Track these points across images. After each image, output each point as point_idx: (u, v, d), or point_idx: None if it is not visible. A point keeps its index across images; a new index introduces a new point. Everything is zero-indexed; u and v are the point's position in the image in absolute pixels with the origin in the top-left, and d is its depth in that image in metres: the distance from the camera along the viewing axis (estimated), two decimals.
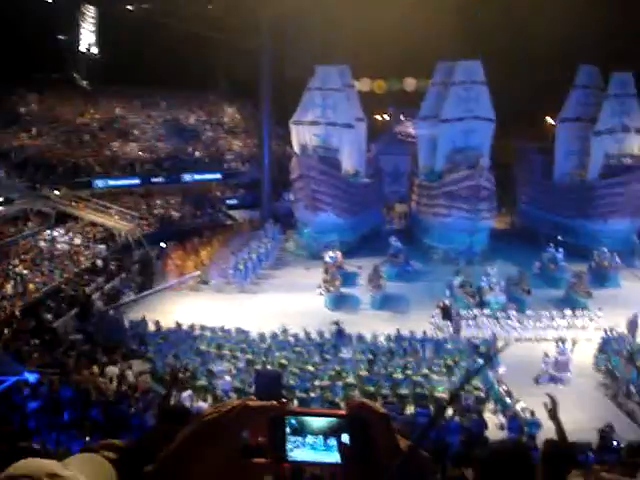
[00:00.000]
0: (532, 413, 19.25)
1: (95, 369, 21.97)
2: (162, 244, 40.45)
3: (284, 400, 1.48)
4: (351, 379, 22.47)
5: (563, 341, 25.51)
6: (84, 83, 53.19)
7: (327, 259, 36.40)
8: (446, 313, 29.53)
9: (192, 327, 27.38)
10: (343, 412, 1.51)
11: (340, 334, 26.79)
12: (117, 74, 50.06)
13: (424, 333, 27.15)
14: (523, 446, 2.96)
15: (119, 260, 36.88)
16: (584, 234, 41.43)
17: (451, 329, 28.59)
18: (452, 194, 39.72)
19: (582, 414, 21.17)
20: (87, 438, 14.39)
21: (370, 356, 24.49)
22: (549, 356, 24.10)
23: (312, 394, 21.30)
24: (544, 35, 45.93)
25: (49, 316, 28.55)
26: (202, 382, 22.20)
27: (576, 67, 44.98)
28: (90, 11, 51.41)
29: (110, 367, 22.36)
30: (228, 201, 51.30)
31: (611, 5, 41.35)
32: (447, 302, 30.41)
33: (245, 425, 1.46)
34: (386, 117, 64.69)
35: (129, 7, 47.22)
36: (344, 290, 34.61)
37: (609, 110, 42.24)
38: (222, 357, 24.36)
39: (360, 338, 26.39)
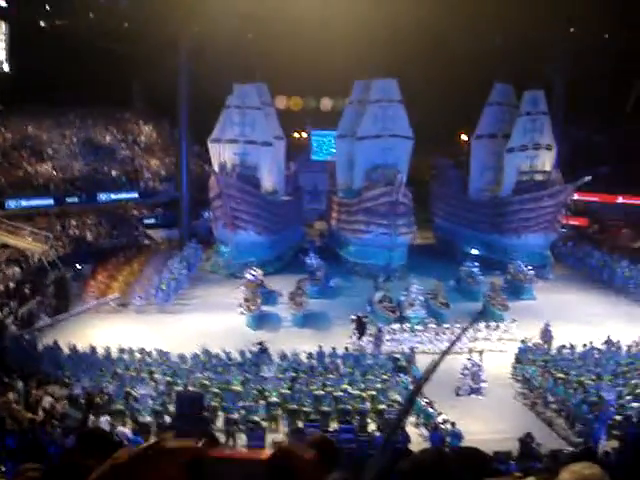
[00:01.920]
0: (453, 424, 19.53)
1: (10, 396, 21.20)
2: (78, 265, 39.49)
3: (210, 439, 1.39)
4: (274, 398, 22.33)
5: (472, 352, 26.01)
6: None
7: (248, 277, 36.21)
8: (359, 325, 29.71)
9: (109, 350, 26.75)
10: (265, 456, 1.44)
11: (263, 353, 26.65)
12: (29, 92, 48.75)
13: (346, 349, 27.29)
14: (444, 455, 2.98)
15: (33, 283, 35.78)
16: (499, 248, 42.53)
17: (366, 342, 28.85)
18: (370, 210, 40.17)
19: (502, 424, 21.64)
20: (2, 468, 13.85)
21: (292, 374, 24.42)
22: (468, 368, 24.50)
23: (235, 414, 21.07)
24: (459, 53, 47.18)
25: None
26: (120, 406, 21.67)
27: (490, 85, 46.24)
28: (1, 27, 50.07)
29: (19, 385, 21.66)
30: (146, 220, 50.52)
31: (525, 25, 42.66)
32: (360, 314, 30.60)
33: (158, 468, 1.36)
34: (304, 135, 64.96)
35: (42, 23, 46.14)
36: (265, 308, 34.50)
37: (521, 127, 43.57)
38: (142, 380, 23.84)
39: (282, 356, 26.32)
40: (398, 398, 22.28)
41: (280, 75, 48.19)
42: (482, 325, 29.69)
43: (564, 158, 44.79)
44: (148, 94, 58.00)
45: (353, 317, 30.26)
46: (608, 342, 27.51)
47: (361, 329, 29.44)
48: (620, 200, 49.37)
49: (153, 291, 35.60)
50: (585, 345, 27.12)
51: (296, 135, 63.36)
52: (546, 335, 28.45)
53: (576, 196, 44.39)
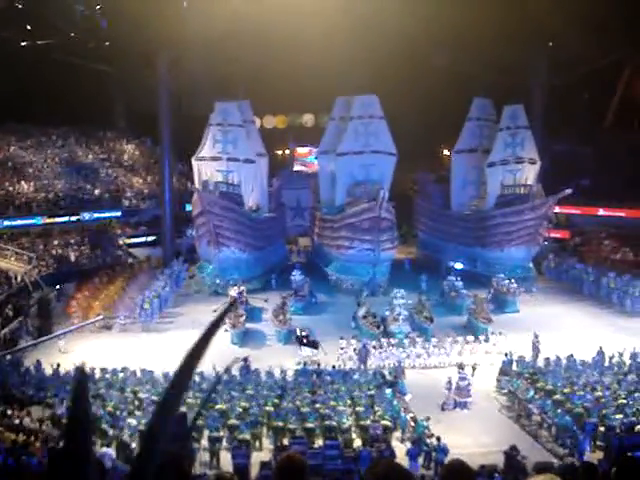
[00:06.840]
0: (438, 439, 19.49)
1: None
2: (57, 286, 39.23)
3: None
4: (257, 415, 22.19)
5: (463, 367, 26.07)
6: None
7: (232, 294, 36.14)
8: (302, 341, 29.95)
9: (93, 370, 26.50)
10: None
11: (247, 370, 26.58)
12: (11, 112, 48.70)
13: (333, 367, 27.22)
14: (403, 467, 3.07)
15: (16, 303, 35.52)
16: (482, 262, 42.70)
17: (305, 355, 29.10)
18: (354, 226, 40.23)
19: (487, 437, 21.63)
20: None
21: (278, 391, 24.32)
22: (452, 382, 24.51)
23: (221, 433, 20.94)
24: (439, 69, 47.57)
25: None
26: (104, 426, 21.41)
27: (470, 100, 46.59)
28: None
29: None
30: (129, 239, 50.34)
31: (503, 41, 43.03)
32: (298, 332, 30.70)
33: None
34: (287, 152, 65.18)
35: (22, 43, 46.05)
36: (250, 325, 34.42)
37: (501, 142, 43.83)
38: (125, 399, 23.65)
39: (268, 373, 26.25)
40: (383, 413, 22.23)
41: (262, 93, 48.33)
42: (468, 338, 29.91)
43: (545, 171, 45.07)
44: (130, 113, 58.02)
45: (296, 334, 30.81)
46: (599, 353, 27.53)
47: (307, 344, 29.74)
48: (601, 212, 49.69)
49: (137, 310, 35.43)
50: (569, 357, 27.18)
51: (279, 152, 63.57)
52: (534, 347, 28.59)
53: (557, 209, 44.63)
